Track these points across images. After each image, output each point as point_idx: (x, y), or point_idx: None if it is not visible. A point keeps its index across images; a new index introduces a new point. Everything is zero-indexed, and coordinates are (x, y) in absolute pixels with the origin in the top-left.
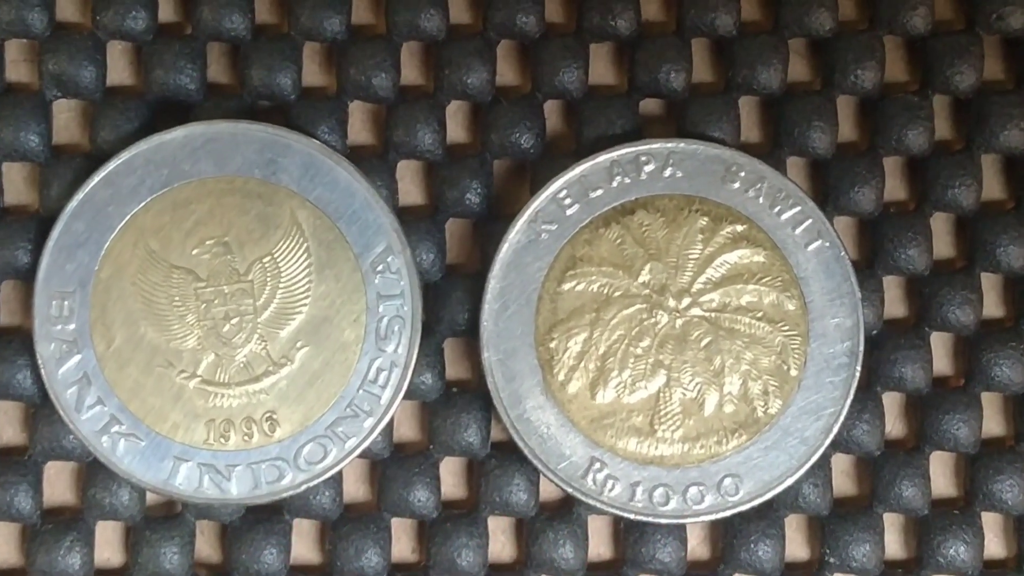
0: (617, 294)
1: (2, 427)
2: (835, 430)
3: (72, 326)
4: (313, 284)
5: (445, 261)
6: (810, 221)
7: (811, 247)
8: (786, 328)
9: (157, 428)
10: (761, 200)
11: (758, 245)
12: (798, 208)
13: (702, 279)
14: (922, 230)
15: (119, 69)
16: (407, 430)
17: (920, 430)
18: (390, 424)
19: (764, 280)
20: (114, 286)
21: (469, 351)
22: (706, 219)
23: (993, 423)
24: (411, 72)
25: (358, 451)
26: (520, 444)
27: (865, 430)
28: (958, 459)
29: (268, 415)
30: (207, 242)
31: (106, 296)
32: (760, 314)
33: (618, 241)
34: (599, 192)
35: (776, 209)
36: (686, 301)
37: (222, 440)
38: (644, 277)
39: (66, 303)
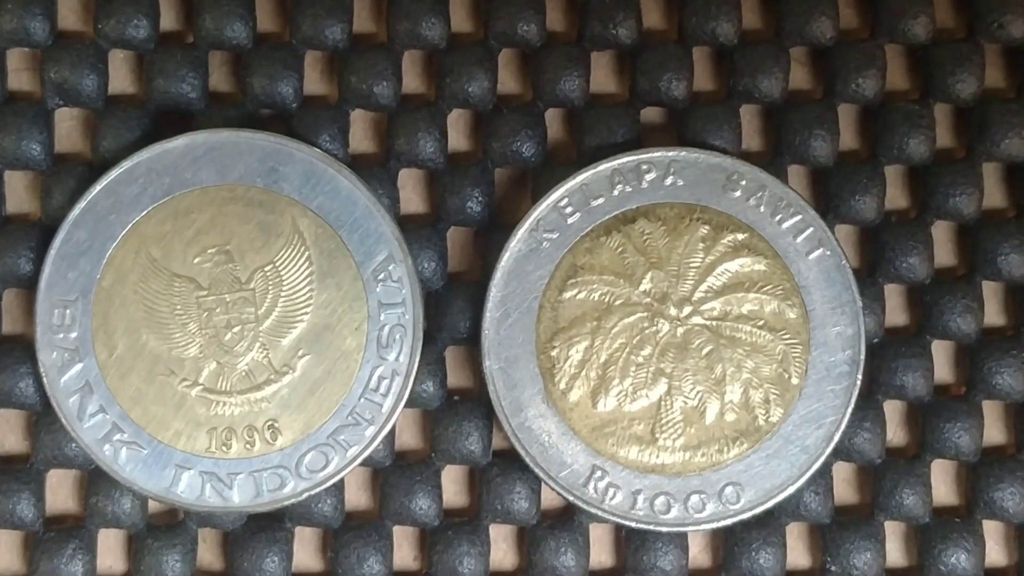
0: (618, 302)
1: (4, 435)
2: (836, 438)
3: (74, 334)
4: (315, 292)
5: (446, 269)
6: (811, 230)
7: (812, 255)
8: (787, 337)
9: (159, 436)
10: (762, 209)
11: (759, 254)
12: (799, 216)
13: (703, 288)
14: (923, 238)
15: (121, 78)
16: (409, 438)
17: (921, 438)
18: (392, 432)
19: (765, 289)
20: (116, 294)
21: (470, 359)
22: (707, 228)
23: (994, 431)
24: (412, 80)
25: (360, 459)
26: (521, 452)
27: (866, 438)
28: (959, 467)
29: (270, 423)
30: (209, 251)
31: (108, 304)
32: (761, 322)
33: (619, 250)
34: (600, 200)
35: (777, 218)
36: (687, 309)
37: (224, 448)
38: (645, 285)
39: (68, 311)
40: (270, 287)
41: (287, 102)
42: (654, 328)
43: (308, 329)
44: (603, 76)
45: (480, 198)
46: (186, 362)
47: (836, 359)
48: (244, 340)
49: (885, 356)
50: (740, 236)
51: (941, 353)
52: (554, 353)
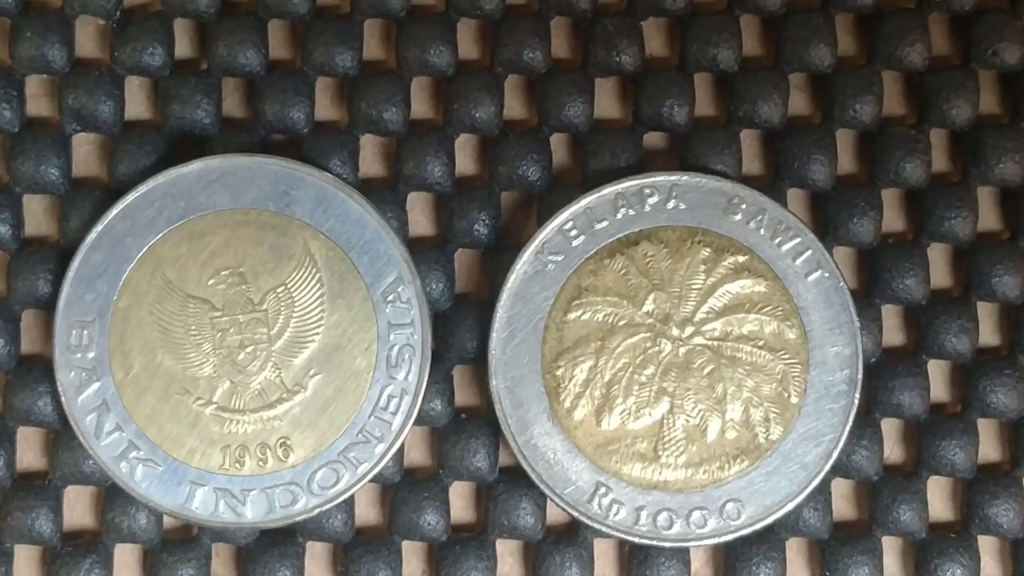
0: (622, 323)
1: (23, 452)
2: (835, 456)
3: (91, 354)
4: (325, 313)
5: (454, 290)
6: (810, 252)
7: (811, 277)
8: (787, 356)
9: (174, 454)
10: (762, 231)
11: (759, 275)
12: (798, 239)
13: (704, 309)
14: (919, 260)
15: (137, 103)
16: (417, 455)
17: (918, 455)
18: (401, 449)
19: (765, 309)
20: (132, 315)
21: (478, 378)
22: (708, 250)
23: (989, 448)
24: (421, 106)
25: (370, 476)
26: (527, 469)
27: (864, 455)
28: (955, 484)
29: (282, 441)
30: (222, 272)
31: (124, 325)
32: (761, 343)
33: (623, 271)
34: (604, 223)
35: (777, 240)
36: (689, 330)
37: (237, 465)
38: (648, 307)
39: (85, 332)
40: (282, 308)
41: (299, 127)
42: (657, 348)
43: (319, 349)
44: (607, 102)
45: (487, 221)
46: (200, 381)
47: (834, 378)
48: (257, 360)
49: (882, 375)
50: (740, 258)
51: (937, 372)
52: (559, 372)
